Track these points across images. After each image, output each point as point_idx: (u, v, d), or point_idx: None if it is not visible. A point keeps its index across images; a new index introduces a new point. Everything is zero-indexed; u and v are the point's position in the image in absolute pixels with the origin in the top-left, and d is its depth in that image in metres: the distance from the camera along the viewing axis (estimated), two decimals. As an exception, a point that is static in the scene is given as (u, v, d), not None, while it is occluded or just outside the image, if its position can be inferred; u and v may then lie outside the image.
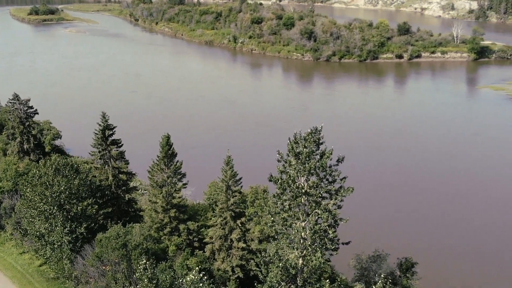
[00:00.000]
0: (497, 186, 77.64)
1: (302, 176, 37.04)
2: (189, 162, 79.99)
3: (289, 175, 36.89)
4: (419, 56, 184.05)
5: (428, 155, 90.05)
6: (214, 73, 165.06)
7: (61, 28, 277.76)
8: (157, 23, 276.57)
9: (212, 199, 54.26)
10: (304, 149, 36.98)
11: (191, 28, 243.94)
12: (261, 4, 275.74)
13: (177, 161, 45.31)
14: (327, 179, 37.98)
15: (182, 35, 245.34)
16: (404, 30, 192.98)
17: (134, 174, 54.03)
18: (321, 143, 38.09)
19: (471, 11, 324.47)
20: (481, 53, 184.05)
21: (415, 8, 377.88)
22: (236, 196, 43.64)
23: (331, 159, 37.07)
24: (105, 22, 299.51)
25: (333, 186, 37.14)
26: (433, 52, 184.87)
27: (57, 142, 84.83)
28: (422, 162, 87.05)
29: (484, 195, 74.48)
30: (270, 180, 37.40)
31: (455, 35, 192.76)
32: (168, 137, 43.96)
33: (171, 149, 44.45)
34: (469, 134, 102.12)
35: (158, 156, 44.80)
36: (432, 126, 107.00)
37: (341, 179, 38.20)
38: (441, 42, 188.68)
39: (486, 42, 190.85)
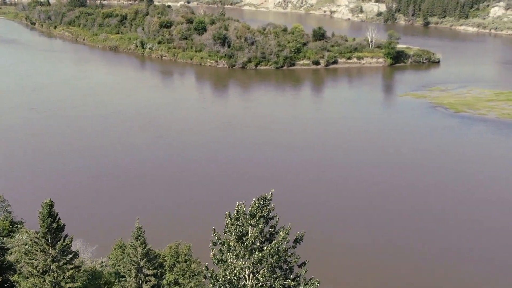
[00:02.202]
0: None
1: (248, 268, 26.14)
2: (94, 208, 68.23)
3: (231, 269, 25.81)
4: (335, 62, 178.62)
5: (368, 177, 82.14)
6: (126, 83, 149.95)
7: None
8: (55, 27, 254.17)
9: (118, 267, 42.01)
10: (252, 231, 26.35)
11: (94, 33, 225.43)
12: (169, 6, 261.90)
13: (66, 236, 32.62)
14: (281, 267, 27.43)
15: (83, 39, 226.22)
16: (319, 35, 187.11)
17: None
18: (271, 218, 27.42)
19: (379, 14, 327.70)
20: (397, 58, 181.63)
21: (324, 11, 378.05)
22: (150, 281, 31.83)
23: (287, 241, 26.61)
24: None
25: (291, 281, 26.47)
26: (349, 58, 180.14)
27: None
28: (357, 185, 78.93)
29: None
30: (205, 277, 26.21)
31: (369, 40, 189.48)
32: (50, 205, 31.11)
33: (56, 220, 31.71)
34: (409, 150, 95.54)
35: (37, 233, 31.95)
36: (362, 143, 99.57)
37: (299, 265, 27.84)
38: (356, 47, 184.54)
39: (401, 46, 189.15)
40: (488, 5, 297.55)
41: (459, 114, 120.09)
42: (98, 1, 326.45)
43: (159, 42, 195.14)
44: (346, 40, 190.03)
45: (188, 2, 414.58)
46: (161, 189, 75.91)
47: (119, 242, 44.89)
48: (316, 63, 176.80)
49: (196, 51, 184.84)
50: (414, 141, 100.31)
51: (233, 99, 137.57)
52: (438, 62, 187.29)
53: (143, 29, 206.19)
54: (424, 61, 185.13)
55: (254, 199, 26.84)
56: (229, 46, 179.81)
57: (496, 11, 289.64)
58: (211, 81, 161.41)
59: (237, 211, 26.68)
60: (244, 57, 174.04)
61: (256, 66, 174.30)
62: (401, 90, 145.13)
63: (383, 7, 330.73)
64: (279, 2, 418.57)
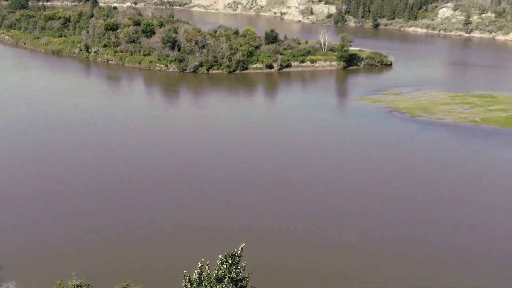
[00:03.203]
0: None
1: None
2: (29, 242, 57.76)
3: None
4: (289, 65, 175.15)
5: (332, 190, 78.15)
6: (70, 91, 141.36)
7: None
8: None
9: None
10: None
11: (35, 36, 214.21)
12: (115, 8, 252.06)
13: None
14: None
15: (25, 43, 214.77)
16: (272, 38, 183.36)
17: None
18: (242, 279, 22.47)
19: (330, 16, 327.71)
20: (350, 61, 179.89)
21: (275, 13, 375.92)
22: None
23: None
24: None
25: None
26: (302, 61, 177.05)
27: None
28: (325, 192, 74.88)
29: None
30: None
31: (322, 43, 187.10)
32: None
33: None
34: (375, 161, 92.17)
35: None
36: (324, 153, 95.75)
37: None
38: (309, 50, 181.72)
39: (354, 49, 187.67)
40: (436, 6, 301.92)
41: (416, 118, 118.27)
42: (41, 3, 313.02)
43: (105, 46, 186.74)
44: (299, 43, 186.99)
45: (135, 4, 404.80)
46: (106, 215, 69.38)
47: (58, 286, 38.95)
48: (270, 66, 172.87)
49: (144, 55, 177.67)
50: (375, 148, 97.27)
51: (187, 106, 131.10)
52: (391, 64, 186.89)
53: (87, 32, 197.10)
54: (377, 64, 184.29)
55: (220, 257, 21.82)
56: (179, 50, 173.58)
57: (444, 12, 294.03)
58: (162, 87, 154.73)
59: (200, 274, 21.61)
60: (195, 61, 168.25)
61: (208, 70, 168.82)
62: (356, 94, 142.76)
63: (333, 9, 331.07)
64: (229, 3, 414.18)
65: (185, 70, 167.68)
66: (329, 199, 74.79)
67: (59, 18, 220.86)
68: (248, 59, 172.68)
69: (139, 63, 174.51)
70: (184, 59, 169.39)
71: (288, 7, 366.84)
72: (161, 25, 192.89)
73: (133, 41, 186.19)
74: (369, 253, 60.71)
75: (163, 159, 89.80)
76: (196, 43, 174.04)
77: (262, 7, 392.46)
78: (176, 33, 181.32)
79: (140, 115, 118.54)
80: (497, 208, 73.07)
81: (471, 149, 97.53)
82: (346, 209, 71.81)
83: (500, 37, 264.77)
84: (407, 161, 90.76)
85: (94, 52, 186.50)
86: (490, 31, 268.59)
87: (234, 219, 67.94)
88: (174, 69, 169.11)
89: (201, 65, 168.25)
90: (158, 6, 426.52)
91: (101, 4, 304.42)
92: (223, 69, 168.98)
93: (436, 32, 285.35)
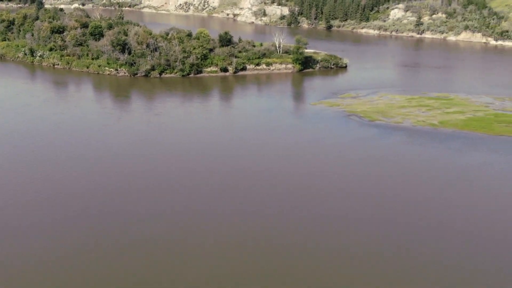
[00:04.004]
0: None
1: None
2: None
3: None
4: (244, 68, 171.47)
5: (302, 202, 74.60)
6: (16, 99, 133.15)
7: None
8: None
9: None
10: None
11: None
12: (61, 10, 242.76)
13: None
14: None
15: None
16: (226, 40, 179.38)
17: None
18: None
19: (282, 17, 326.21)
20: (306, 64, 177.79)
21: (228, 14, 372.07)
22: None
23: None
24: None
25: None
26: (258, 64, 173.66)
27: None
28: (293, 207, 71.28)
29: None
30: None
31: (277, 45, 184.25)
32: None
33: None
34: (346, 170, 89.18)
35: None
36: (281, 162, 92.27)
37: None
38: (264, 53, 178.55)
39: (309, 51, 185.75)
40: (388, 8, 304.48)
41: (374, 123, 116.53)
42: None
43: (51, 49, 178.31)
44: (254, 46, 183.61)
45: (83, 5, 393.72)
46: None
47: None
48: (224, 70, 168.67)
49: (92, 59, 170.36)
50: (336, 155, 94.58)
51: (141, 113, 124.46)
52: (346, 67, 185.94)
53: (32, 35, 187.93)
54: (332, 66, 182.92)
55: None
56: (129, 53, 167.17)
57: (395, 13, 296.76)
58: (113, 92, 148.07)
59: None
60: (146, 65, 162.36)
61: (160, 74, 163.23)
62: (314, 98, 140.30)
63: (286, 11, 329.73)
64: (181, 4, 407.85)
65: (136, 74, 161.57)
66: (285, 209, 71.32)
67: (3, 21, 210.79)
68: (202, 62, 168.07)
69: (87, 67, 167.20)
70: (135, 63, 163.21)
71: (241, 8, 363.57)
72: (110, 27, 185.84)
73: (81, 44, 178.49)
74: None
75: (119, 172, 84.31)
76: (148, 46, 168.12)
77: (214, 8, 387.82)
78: (126, 35, 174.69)
79: (90, 124, 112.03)
80: (466, 213, 71.27)
81: (432, 155, 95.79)
82: (303, 221, 68.47)
83: (451, 37, 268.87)
84: (369, 168, 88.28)
85: (40, 56, 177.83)
86: (442, 32, 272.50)
87: (195, 229, 63.59)
88: (125, 73, 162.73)
89: (153, 68, 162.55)
90: (107, 7, 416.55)
91: (47, 6, 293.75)
92: (176, 72, 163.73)
93: (388, 33, 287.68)
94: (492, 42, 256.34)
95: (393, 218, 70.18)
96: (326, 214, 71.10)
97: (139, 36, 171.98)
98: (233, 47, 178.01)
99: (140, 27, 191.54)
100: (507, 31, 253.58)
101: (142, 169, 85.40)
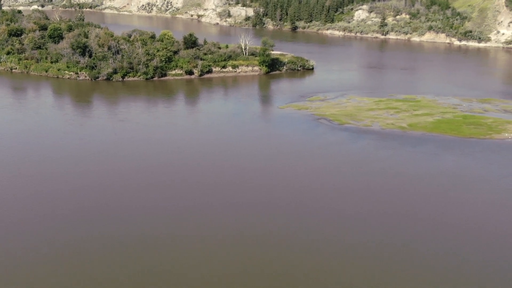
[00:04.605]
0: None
1: None
2: None
3: None
4: (210, 71, 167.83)
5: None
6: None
7: None
8: None
9: None
10: None
11: None
12: (20, 12, 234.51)
13: None
14: None
15: None
16: (191, 42, 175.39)
17: None
18: None
19: (247, 18, 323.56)
20: (272, 66, 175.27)
21: (191, 15, 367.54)
22: None
23: None
24: None
25: None
26: (224, 67, 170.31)
27: None
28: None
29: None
30: None
31: (243, 47, 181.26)
32: None
33: None
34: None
35: None
36: (250, 170, 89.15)
37: None
38: (230, 55, 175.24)
39: (275, 53, 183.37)
40: (352, 9, 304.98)
41: (343, 126, 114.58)
42: None
43: (8, 53, 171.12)
44: (219, 48, 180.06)
45: (42, 6, 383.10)
46: None
47: None
48: (190, 73, 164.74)
49: (52, 62, 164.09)
50: (308, 162, 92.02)
51: (105, 120, 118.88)
52: (313, 69, 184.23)
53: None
54: (299, 69, 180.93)
55: None
56: (90, 56, 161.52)
57: (360, 14, 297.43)
58: (73, 97, 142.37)
59: None
60: (108, 68, 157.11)
61: (123, 77, 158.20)
62: (282, 101, 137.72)
63: (250, 12, 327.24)
64: (143, 5, 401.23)
65: (97, 78, 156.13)
66: (247, 226, 68.33)
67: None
68: (167, 65, 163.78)
69: (46, 71, 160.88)
70: (96, 66, 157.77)
71: (205, 9, 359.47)
72: (70, 29, 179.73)
73: (39, 47, 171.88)
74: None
75: (83, 186, 79.74)
76: (109, 48, 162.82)
77: (178, 9, 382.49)
78: (87, 37, 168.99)
79: (51, 132, 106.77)
80: (441, 218, 69.53)
81: (408, 160, 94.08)
82: (274, 235, 65.61)
83: (415, 38, 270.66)
84: (343, 176, 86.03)
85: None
86: (406, 33, 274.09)
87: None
88: (86, 77, 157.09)
89: (115, 72, 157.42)
90: (67, 9, 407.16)
91: (4, 8, 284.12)
92: (139, 76, 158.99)
93: (353, 34, 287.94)
94: (456, 42, 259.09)
95: (374, 230, 67.90)
96: (289, 231, 68.32)
97: (100, 38, 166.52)
98: (198, 49, 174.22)
99: (102, 29, 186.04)
100: (471, 31, 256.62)
101: (106, 182, 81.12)
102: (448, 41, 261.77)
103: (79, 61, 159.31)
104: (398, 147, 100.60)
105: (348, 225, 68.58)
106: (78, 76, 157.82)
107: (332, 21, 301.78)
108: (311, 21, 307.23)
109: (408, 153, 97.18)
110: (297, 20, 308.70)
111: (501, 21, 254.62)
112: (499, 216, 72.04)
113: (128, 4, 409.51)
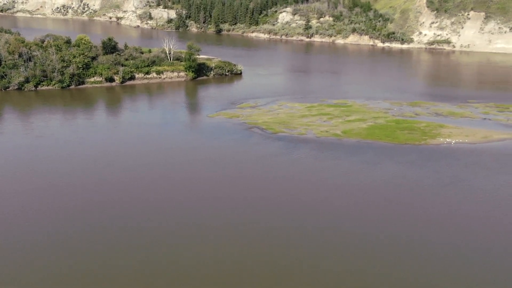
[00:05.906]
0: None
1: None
2: None
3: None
4: (132, 78, 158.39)
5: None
6: None
7: None
8: None
9: None
10: None
11: None
12: None
13: None
14: None
15: None
16: (111, 47, 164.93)
17: None
18: None
19: (170, 21, 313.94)
20: (199, 71, 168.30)
21: (110, 18, 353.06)
22: None
23: None
24: None
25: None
26: (147, 73, 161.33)
27: None
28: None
29: None
30: None
31: (167, 52, 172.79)
32: None
33: None
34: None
35: None
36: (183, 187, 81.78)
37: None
38: (154, 60, 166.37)
39: (202, 57, 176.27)
40: (276, 11, 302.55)
41: (277, 135, 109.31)
42: None
43: None
44: (142, 52, 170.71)
45: None
46: None
47: None
48: (110, 80, 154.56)
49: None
50: (243, 176, 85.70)
51: (18, 136, 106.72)
52: (241, 73, 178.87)
53: None
54: (227, 74, 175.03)
55: None
56: (0, 64, 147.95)
57: (284, 16, 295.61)
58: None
59: None
60: (19, 77, 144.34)
61: (36, 86, 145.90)
62: (211, 109, 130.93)
63: (173, 14, 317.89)
64: (58, 8, 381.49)
65: (7, 88, 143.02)
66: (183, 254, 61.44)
67: None
68: (84, 72, 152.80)
69: None
70: (6, 75, 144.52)
71: (125, 11, 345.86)
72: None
73: None
74: None
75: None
76: (20, 55, 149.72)
77: (95, 11, 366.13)
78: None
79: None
80: (389, 231, 65.24)
81: (344, 170, 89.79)
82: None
83: (339, 40, 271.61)
84: (283, 192, 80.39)
85: None
86: (330, 35, 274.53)
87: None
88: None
89: (27, 81, 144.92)
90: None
91: None
92: (54, 84, 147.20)
93: (278, 37, 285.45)
94: (379, 44, 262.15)
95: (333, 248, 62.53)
96: (221, 255, 61.92)
97: (10, 44, 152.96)
98: (118, 54, 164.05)
99: (12, 34, 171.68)
100: (393, 33, 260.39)
101: (20, 207, 71.14)
102: (371, 43, 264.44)
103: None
104: (341, 157, 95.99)
105: (284, 243, 62.89)
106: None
107: (257, 23, 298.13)
108: (235, 23, 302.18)
109: (349, 163, 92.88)
110: (221, 22, 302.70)
111: (423, 22, 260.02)
112: (452, 228, 68.77)
113: (41, 7, 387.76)
